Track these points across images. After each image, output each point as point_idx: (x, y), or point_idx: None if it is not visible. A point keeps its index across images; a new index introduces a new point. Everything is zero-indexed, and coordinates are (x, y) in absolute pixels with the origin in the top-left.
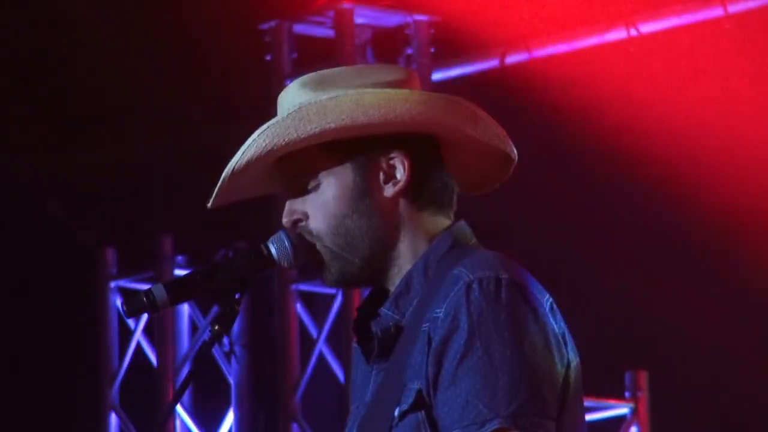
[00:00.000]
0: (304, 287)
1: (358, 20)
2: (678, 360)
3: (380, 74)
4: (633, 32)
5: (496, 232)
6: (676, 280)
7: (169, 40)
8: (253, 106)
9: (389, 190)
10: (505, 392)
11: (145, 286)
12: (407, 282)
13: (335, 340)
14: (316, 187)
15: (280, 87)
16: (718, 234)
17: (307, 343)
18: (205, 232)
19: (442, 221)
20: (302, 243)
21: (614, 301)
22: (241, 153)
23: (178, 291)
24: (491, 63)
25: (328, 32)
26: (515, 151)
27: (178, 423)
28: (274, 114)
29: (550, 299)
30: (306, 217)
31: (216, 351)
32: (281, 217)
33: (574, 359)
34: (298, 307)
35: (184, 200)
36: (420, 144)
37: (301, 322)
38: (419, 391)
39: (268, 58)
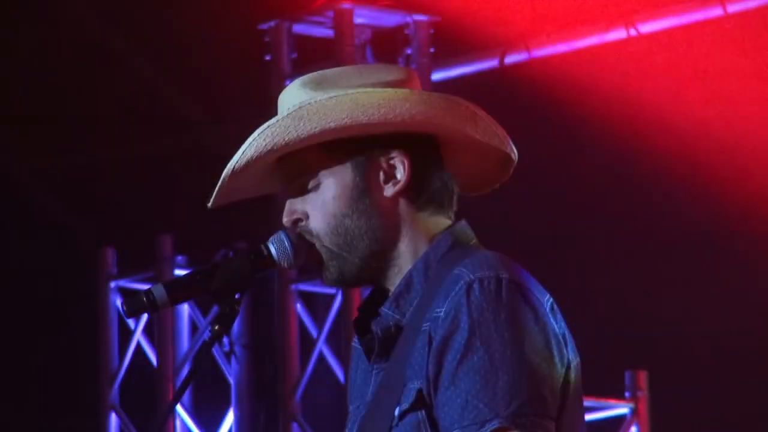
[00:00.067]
0: (304, 287)
1: (358, 20)
2: (678, 360)
3: (380, 74)
4: (632, 32)
5: (496, 232)
6: (676, 280)
7: (169, 40)
8: (253, 106)
9: (389, 190)
10: (505, 392)
11: (145, 286)
12: (407, 282)
13: (335, 340)
14: (316, 187)
15: (280, 87)
16: (718, 234)
17: (307, 343)
18: (205, 232)
19: (443, 221)
20: (302, 243)
21: (614, 301)
22: (241, 153)
23: (178, 291)
24: (491, 63)
25: (327, 32)
26: (515, 152)
27: (178, 423)
28: (274, 114)
29: (551, 299)
30: (306, 216)
31: (216, 351)
32: (281, 217)
33: (574, 359)
34: (298, 307)
35: (184, 200)
36: (420, 144)
37: (301, 322)
38: (419, 391)
39: (267, 58)
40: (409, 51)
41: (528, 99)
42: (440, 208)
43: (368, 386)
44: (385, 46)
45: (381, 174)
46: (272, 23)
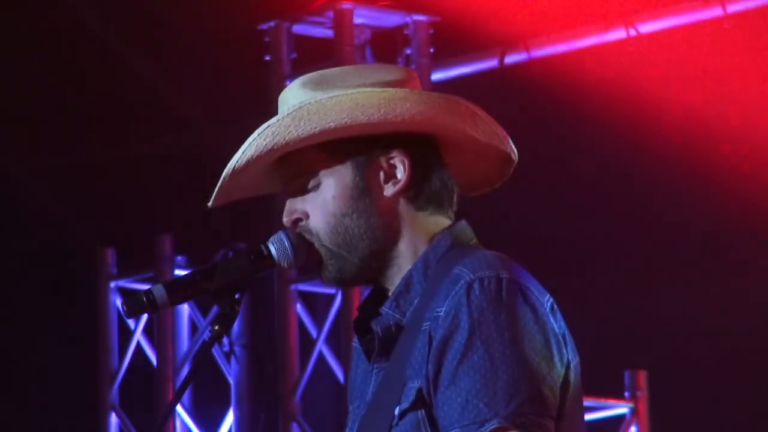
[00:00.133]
0: (304, 287)
1: (358, 20)
2: (678, 360)
3: (380, 74)
4: (632, 32)
5: (496, 231)
6: (676, 280)
7: (169, 40)
8: (253, 106)
9: (389, 190)
10: (505, 392)
11: (145, 286)
12: (407, 281)
13: (335, 340)
14: (316, 187)
15: (280, 87)
16: (719, 233)
17: (307, 343)
18: (205, 232)
19: (442, 221)
20: (302, 243)
21: (614, 301)
22: (241, 152)
23: (178, 291)
24: (490, 63)
25: (327, 32)
26: (515, 151)
27: (178, 423)
28: (274, 114)
29: (551, 299)
30: (306, 216)
31: (216, 351)
32: (281, 217)
33: (573, 359)
34: (298, 307)
35: (184, 200)
36: (420, 144)
37: (301, 322)
38: (419, 390)
39: (267, 58)
40: (408, 51)
41: (528, 99)
42: (440, 207)
43: (368, 386)
44: (385, 47)
45: (381, 174)
46: (272, 23)
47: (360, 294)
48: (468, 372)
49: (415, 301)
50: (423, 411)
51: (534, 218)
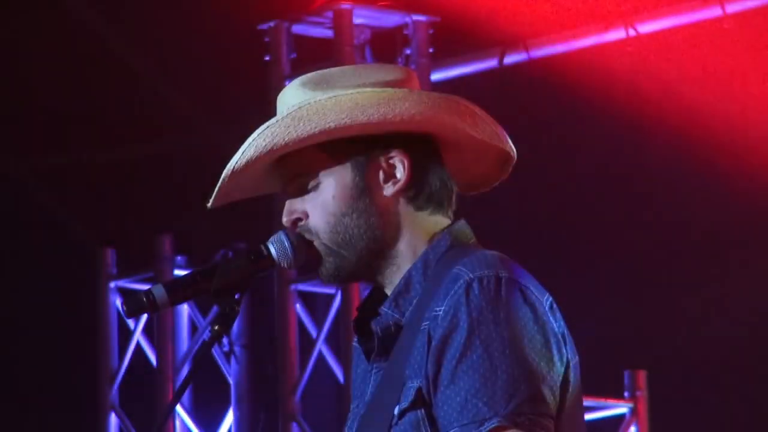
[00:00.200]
0: (303, 287)
1: (357, 20)
2: (677, 360)
3: (379, 74)
4: (631, 32)
5: (496, 231)
6: (676, 280)
7: (168, 40)
8: (252, 106)
9: (389, 190)
10: (504, 391)
11: (144, 286)
12: (407, 281)
13: (334, 340)
14: (316, 187)
15: (280, 87)
16: (719, 233)
17: (307, 342)
18: (205, 232)
19: (442, 220)
20: (302, 242)
21: (614, 301)
22: (241, 153)
23: (178, 291)
24: (490, 63)
25: (327, 32)
26: (514, 150)
27: (178, 423)
28: (274, 114)
29: (550, 298)
30: (306, 216)
31: (216, 351)
32: (281, 217)
33: (573, 358)
34: (298, 306)
35: (184, 200)
36: (419, 143)
37: (301, 322)
38: (419, 390)
39: (267, 58)
40: (408, 51)
41: (527, 99)
42: (439, 207)
43: (368, 386)
44: (385, 47)
45: (381, 173)
46: (272, 23)
47: (360, 294)
48: (467, 371)
49: (415, 301)
50: (422, 410)
51: (534, 218)
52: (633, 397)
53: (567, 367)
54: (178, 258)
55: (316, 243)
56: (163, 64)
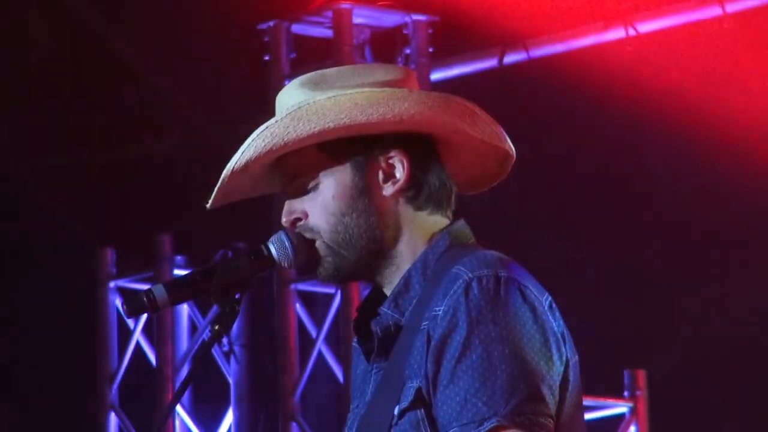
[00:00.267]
0: (303, 287)
1: (357, 20)
2: (677, 359)
3: (378, 74)
4: (631, 32)
5: (495, 231)
6: (676, 280)
7: (168, 39)
8: (252, 105)
9: (389, 189)
10: (504, 390)
11: (144, 286)
12: (406, 281)
13: (334, 340)
14: (316, 187)
15: (279, 87)
16: (719, 233)
17: (307, 342)
18: (205, 232)
19: (441, 220)
20: (302, 242)
21: (614, 301)
22: (241, 153)
23: (178, 291)
24: (490, 63)
25: (326, 32)
26: (513, 150)
27: (178, 423)
28: (274, 114)
29: (549, 298)
30: (305, 216)
31: (216, 351)
32: (281, 217)
33: (573, 357)
34: (298, 306)
35: (184, 200)
36: (418, 143)
37: (301, 322)
38: (419, 389)
39: (266, 58)
40: (407, 51)
41: (527, 99)
42: (439, 207)
43: (368, 386)
44: (384, 46)
45: (380, 173)
46: (271, 23)
47: (359, 294)
48: (467, 371)
49: (414, 301)
50: (422, 410)
51: (533, 217)
52: (633, 397)
53: (566, 367)
54: (178, 258)
55: (317, 243)
56: (163, 64)
